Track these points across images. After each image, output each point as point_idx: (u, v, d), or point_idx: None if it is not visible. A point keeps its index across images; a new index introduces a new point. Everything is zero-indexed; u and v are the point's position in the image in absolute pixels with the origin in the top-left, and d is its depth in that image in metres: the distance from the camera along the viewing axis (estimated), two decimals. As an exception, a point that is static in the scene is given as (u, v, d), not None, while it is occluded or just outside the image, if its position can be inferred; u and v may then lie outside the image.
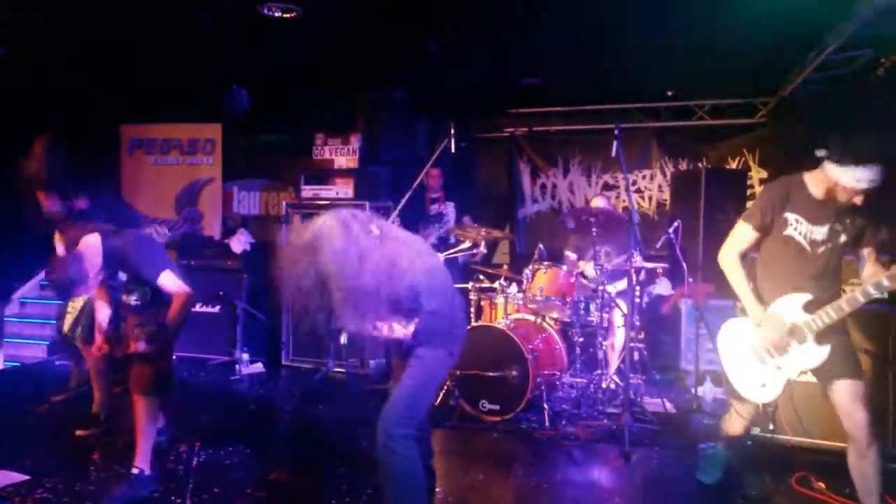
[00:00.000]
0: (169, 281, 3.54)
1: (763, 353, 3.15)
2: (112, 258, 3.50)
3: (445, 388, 5.06)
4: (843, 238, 3.05)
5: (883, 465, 2.96)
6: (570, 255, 5.91)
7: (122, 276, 3.59)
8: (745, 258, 3.26)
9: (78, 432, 4.40)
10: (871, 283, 2.86)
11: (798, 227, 3.06)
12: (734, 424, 3.48)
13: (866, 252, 3.10)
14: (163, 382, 3.58)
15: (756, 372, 3.19)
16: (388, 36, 5.65)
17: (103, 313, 3.91)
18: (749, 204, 6.86)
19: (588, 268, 5.57)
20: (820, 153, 2.99)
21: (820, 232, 3.04)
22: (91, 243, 3.47)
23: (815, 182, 3.05)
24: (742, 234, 3.21)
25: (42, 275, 7.65)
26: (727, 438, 3.58)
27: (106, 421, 4.47)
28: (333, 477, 3.76)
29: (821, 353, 2.99)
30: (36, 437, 4.39)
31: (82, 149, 7.10)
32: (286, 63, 6.46)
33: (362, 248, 2.47)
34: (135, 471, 3.47)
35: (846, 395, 2.94)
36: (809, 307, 3.03)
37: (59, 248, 4.20)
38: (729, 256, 3.22)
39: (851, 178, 2.84)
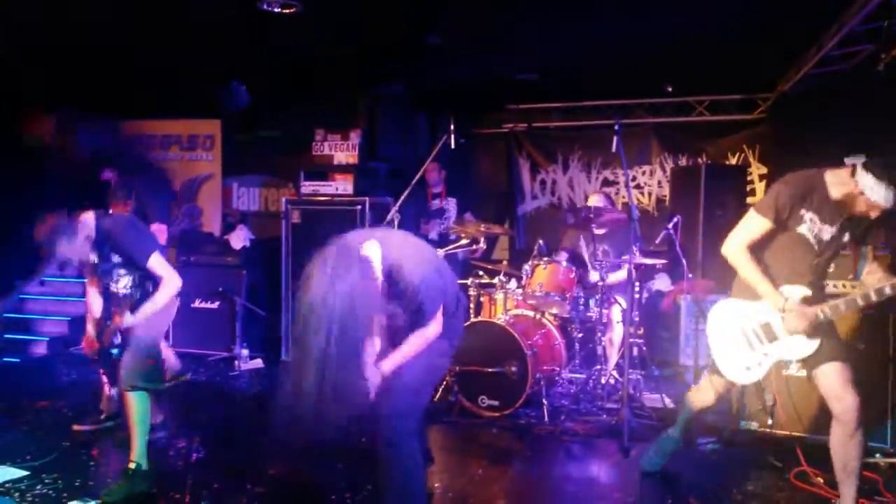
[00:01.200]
0: (158, 263, 3.55)
1: (753, 338, 3.20)
2: (103, 238, 3.54)
3: (445, 383, 5.06)
4: (846, 238, 3.08)
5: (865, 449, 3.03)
6: (562, 254, 5.90)
7: (115, 259, 3.60)
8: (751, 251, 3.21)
9: (75, 427, 4.41)
10: (874, 288, 2.91)
11: (811, 227, 3.05)
12: (704, 396, 3.52)
13: (867, 249, 3.15)
14: (149, 377, 3.56)
15: (743, 355, 3.23)
16: (388, 31, 5.65)
17: (97, 304, 3.90)
18: (751, 200, 6.91)
19: (594, 276, 5.55)
20: (852, 160, 3.06)
21: (829, 232, 3.05)
22: (85, 219, 3.53)
23: (837, 183, 3.00)
24: (755, 226, 3.14)
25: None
26: (688, 416, 3.62)
27: (109, 419, 4.46)
28: (333, 472, 3.77)
29: (810, 346, 3.04)
30: (35, 433, 4.39)
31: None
32: (285, 58, 6.46)
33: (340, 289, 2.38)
34: (132, 466, 3.47)
35: (836, 379, 2.99)
36: (806, 300, 3.06)
37: None
38: (736, 247, 3.16)
39: (881, 196, 2.85)
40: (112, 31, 5.64)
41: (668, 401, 5.05)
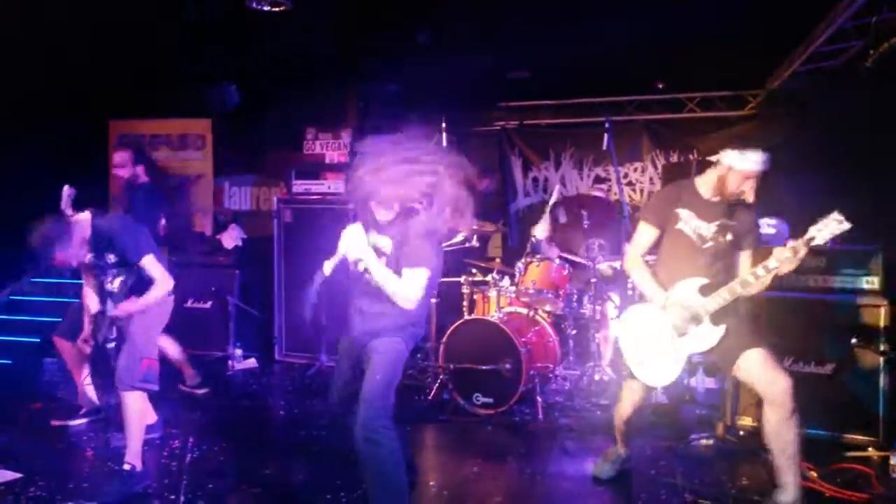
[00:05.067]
0: (151, 264, 3.56)
1: (662, 338, 3.28)
2: (99, 237, 3.55)
3: (439, 381, 5.07)
4: (728, 236, 3.21)
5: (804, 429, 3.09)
6: (554, 249, 5.92)
7: (110, 259, 3.59)
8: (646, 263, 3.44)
9: (53, 423, 4.44)
10: (761, 264, 3.05)
11: (688, 222, 3.26)
12: (623, 404, 3.60)
13: (744, 256, 3.29)
14: (145, 378, 3.54)
15: (655, 356, 3.31)
16: (378, 29, 5.63)
17: (93, 301, 3.88)
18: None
19: (604, 267, 5.58)
20: (714, 157, 3.26)
21: (707, 228, 3.23)
22: (82, 218, 3.54)
23: (705, 182, 3.29)
24: (642, 233, 3.41)
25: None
26: (618, 428, 3.68)
27: (88, 414, 4.49)
28: (327, 472, 3.76)
29: (717, 332, 3.15)
30: (29, 435, 4.37)
31: (69, 145, 7.08)
32: (276, 57, 6.43)
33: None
34: (126, 467, 3.47)
35: (761, 364, 3.07)
36: (704, 291, 3.18)
37: None
38: (631, 257, 3.43)
39: (749, 161, 3.09)
40: (101, 31, 5.61)
41: (661, 396, 5.06)
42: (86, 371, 4.45)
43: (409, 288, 2.89)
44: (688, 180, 3.40)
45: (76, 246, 3.46)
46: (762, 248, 3.31)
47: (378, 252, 2.97)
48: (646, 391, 3.52)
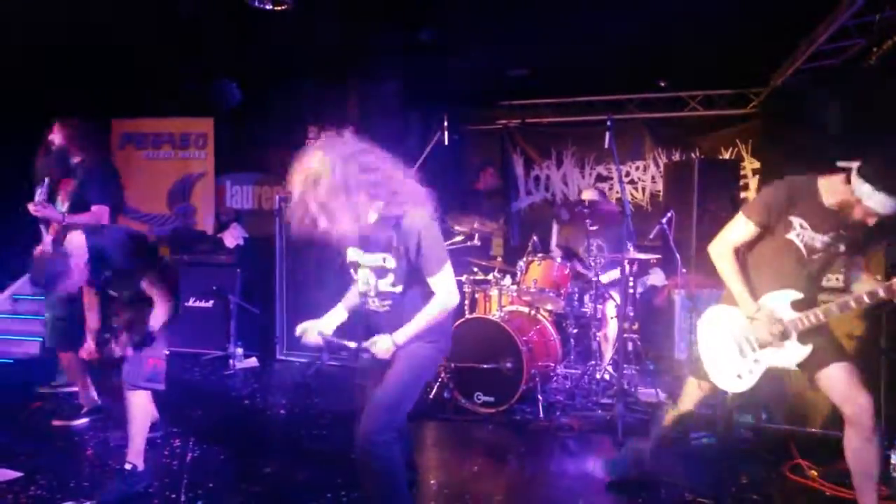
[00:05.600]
0: (149, 285, 3.55)
1: (744, 345, 3.06)
2: (95, 256, 3.50)
3: (440, 380, 5.06)
4: (841, 248, 2.95)
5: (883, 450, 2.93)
6: (555, 250, 5.95)
7: (107, 273, 3.59)
8: (738, 253, 3.15)
9: (55, 422, 4.45)
10: (867, 291, 2.80)
11: (801, 233, 2.94)
12: (684, 404, 3.39)
13: (859, 259, 3.04)
14: (151, 377, 3.55)
15: (734, 362, 3.10)
16: (380, 27, 5.63)
17: (93, 318, 3.88)
18: (745, 195, 6.93)
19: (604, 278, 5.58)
20: (846, 164, 2.85)
21: (821, 240, 2.93)
22: (76, 241, 3.47)
23: (831, 191, 2.89)
24: (741, 230, 3.07)
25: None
26: (667, 428, 3.50)
27: (90, 413, 4.51)
28: (328, 471, 3.76)
29: (802, 352, 2.92)
30: (29, 434, 4.38)
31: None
32: (278, 56, 6.43)
33: None
34: (128, 466, 3.46)
35: (843, 381, 2.85)
36: (798, 305, 2.95)
37: (47, 239, 4.24)
38: (722, 249, 3.10)
39: (879, 204, 2.72)
40: (103, 30, 5.61)
41: (662, 395, 5.06)
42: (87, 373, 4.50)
43: (441, 297, 2.69)
44: (809, 180, 2.96)
45: (77, 274, 3.43)
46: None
47: (383, 270, 2.73)
48: (711, 392, 3.29)
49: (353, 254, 2.80)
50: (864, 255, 3.04)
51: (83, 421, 4.51)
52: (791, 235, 2.95)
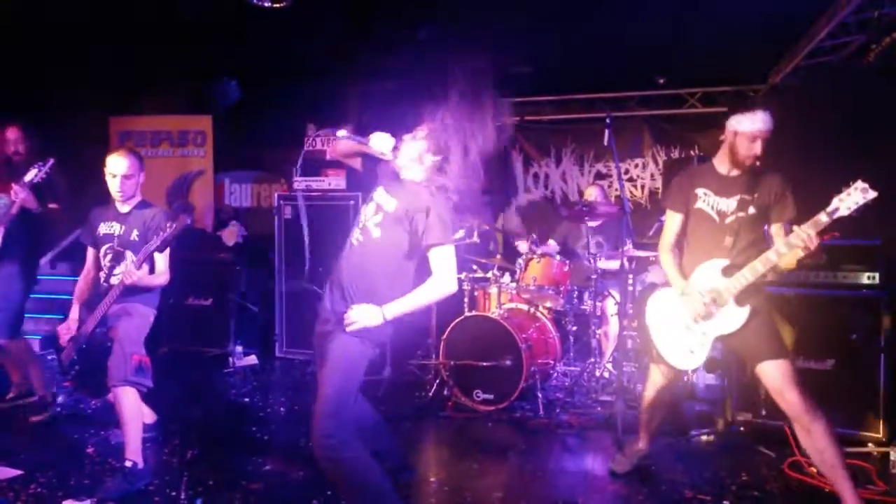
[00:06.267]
0: (162, 258, 3.77)
1: (689, 321, 3.25)
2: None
3: (440, 378, 5.07)
4: (751, 209, 3.17)
5: (836, 435, 2.95)
6: (552, 243, 5.93)
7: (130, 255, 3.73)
8: (674, 246, 3.45)
9: (32, 419, 4.46)
10: (779, 243, 2.98)
11: (706, 200, 3.27)
12: (651, 388, 3.57)
13: (775, 228, 3.21)
14: (138, 372, 3.55)
15: (683, 339, 3.30)
16: (379, 25, 5.62)
17: (73, 322, 3.85)
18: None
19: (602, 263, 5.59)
20: (722, 136, 3.27)
21: (727, 203, 3.21)
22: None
23: (720, 159, 3.30)
24: (670, 222, 3.44)
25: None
26: (645, 417, 3.66)
27: (48, 405, 4.56)
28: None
29: (740, 314, 3.11)
30: (29, 432, 4.38)
31: (70, 142, 7.07)
32: (277, 53, 6.42)
33: None
34: (128, 464, 3.46)
35: (775, 377, 3.02)
36: (728, 271, 3.13)
37: None
38: (662, 247, 3.46)
39: (751, 122, 3.09)
40: (101, 27, 5.60)
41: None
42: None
43: (441, 278, 2.75)
44: (706, 163, 3.40)
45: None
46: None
47: (380, 208, 2.83)
48: (673, 376, 3.48)
49: (377, 193, 2.92)
50: (781, 220, 3.19)
51: (46, 414, 4.53)
52: (699, 204, 3.29)
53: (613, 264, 5.49)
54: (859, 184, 2.76)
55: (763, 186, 3.19)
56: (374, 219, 2.83)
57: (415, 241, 2.78)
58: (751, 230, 3.20)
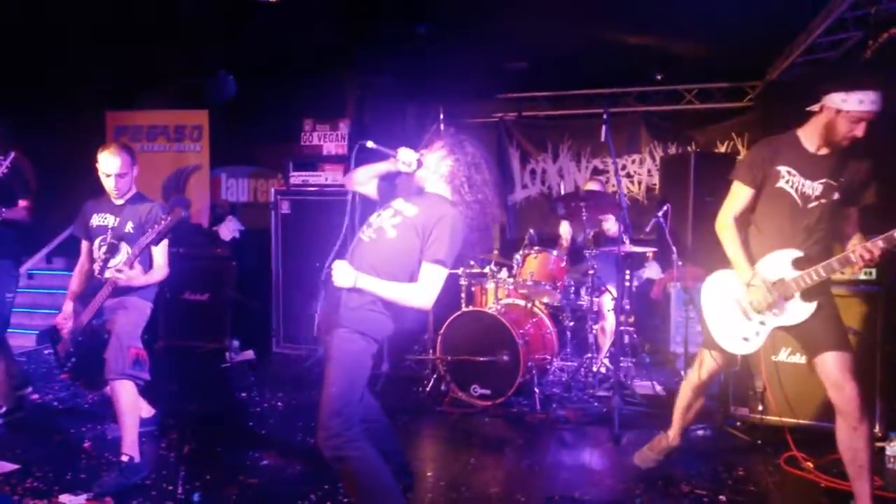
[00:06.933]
0: (161, 252, 3.79)
1: (748, 308, 3.09)
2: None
3: (437, 373, 5.07)
4: (836, 195, 2.96)
5: (873, 440, 2.93)
6: (565, 234, 5.94)
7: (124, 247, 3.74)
8: (739, 222, 3.18)
9: None
10: (863, 245, 2.82)
11: (790, 180, 3.01)
12: (702, 372, 3.36)
13: (853, 211, 3.05)
14: (135, 365, 3.55)
15: (739, 326, 3.13)
16: (377, 20, 5.61)
17: (67, 315, 3.84)
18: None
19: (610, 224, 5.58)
20: (815, 106, 2.98)
21: (812, 187, 2.97)
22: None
23: (809, 134, 3.02)
24: (736, 195, 3.16)
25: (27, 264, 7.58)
26: (682, 408, 3.50)
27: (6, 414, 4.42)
28: (325, 463, 3.75)
29: (806, 309, 2.96)
30: (25, 427, 4.37)
31: (67, 136, 7.06)
32: (273, 48, 6.40)
33: None
34: (124, 458, 3.46)
35: (835, 368, 2.89)
36: (799, 263, 2.97)
37: None
38: (723, 220, 3.17)
39: (855, 101, 2.80)
40: (99, 21, 5.58)
41: (658, 388, 5.08)
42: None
43: (420, 288, 2.72)
44: (788, 133, 3.10)
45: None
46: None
47: (397, 214, 2.82)
48: (724, 362, 3.28)
49: (398, 202, 2.92)
50: (858, 205, 3.04)
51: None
52: (781, 184, 3.01)
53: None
54: None
55: (851, 169, 2.96)
56: (391, 220, 2.82)
57: (424, 249, 2.76)
58: (831, 218, 3.00)
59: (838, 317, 3.06)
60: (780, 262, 3.01)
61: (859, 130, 2.85)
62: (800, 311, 2.97)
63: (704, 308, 3.28)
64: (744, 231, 3.18)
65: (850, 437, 2.89)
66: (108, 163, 3.79)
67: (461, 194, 2.85)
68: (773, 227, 3.07)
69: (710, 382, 3.44)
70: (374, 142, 2.99)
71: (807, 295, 2.96)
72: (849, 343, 2.99)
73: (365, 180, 3.11)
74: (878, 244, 2.77)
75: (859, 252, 2.79)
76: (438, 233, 2.72)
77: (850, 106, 2.81)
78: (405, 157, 2.94)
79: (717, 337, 3.21)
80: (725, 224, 3.15)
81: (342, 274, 2.69)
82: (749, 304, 3.09)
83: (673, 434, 3.59)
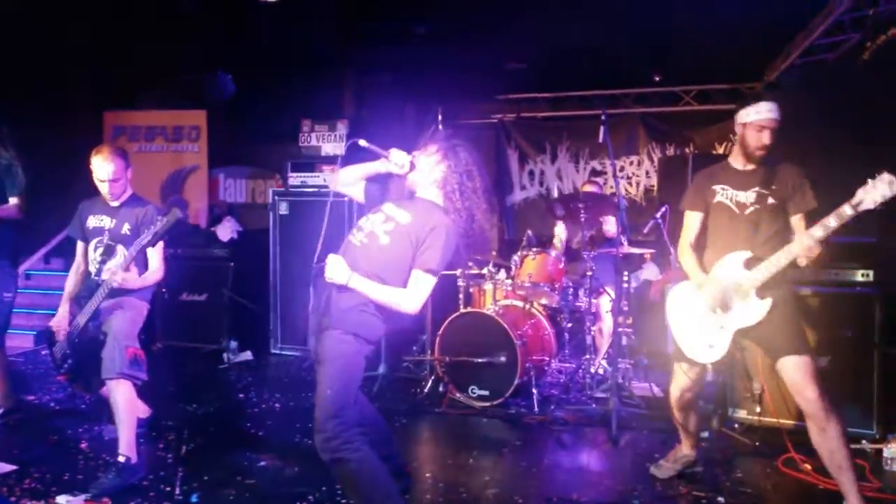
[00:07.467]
0: (157, 253, 3.80)
1: (708, 314, 3.20)
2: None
3: (435, 374, 5.07)
4: (770, 200, 3.17)
5: (847, 438, 2.96)
6: (559, 234, 5.93)
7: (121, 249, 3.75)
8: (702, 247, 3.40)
9: None
10: (805, 233, 2.89)
11: (725, 193, 3.29)
12: (676, 385, 3.44)
13: (795, 220, 3.19)
14: (133, 365, 3.54)
15: (702, 333, 3.24)
16: (375, 20, 5.62)
17: (63, 316, 3.83)
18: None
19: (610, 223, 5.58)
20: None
21: (746, 196, 3.23)
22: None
23: (735, 155, 3.36)
24: (688, 222, 3.43)
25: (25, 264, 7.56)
26: (679, 419, 3.55)
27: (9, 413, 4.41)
28: (322, 464, 3.75)
29: (761, 307, 3.05)
30: (23, 428, 4.36)
31: (65, 136, 7.04)
32: (271, 48, 6.40)
33: None
34: (121, 459, 3.45)
35: (795, 373, 2.98)
36: (749, 264, 3.09)
37: None
38: (681, 248, 3.43)
39: (756, 112, 3.16)
40: (97, 22, 5.58)
41: (656, 389, 5.07)
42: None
43: (410, 293, 2.72)
44: (721, 161, 3.45)
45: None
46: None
47: (390, 220, 2.80)
48: (696, 374, 3.37)
49: (388, 206, 2.91)
50: (801, 211, 3.18)
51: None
52: (719, 198, 3.31)
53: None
54: (886, 176, 2.62)
55: (780, 179, 3.18)
56: (383, 226, 2.80)
57: (416, 256, 2.75)
58: (772, 222, 3.17)
59: (796, 318, 3.16)
60: (733, 264, 3.16)
61: (766, 138, 3.16)
62: (755, 309, 3.07)
63: (670, 321, 3.42)
64: (701, 252, 3.39)
65: (821, 439, 2.97)
66: (101, 168, 3.78)
67: (452, 201, 2.83)
68: (720, 236, 3.29)
69: (692, 396, 3.49)
70: (374, 143, 2.96)
71: (761, 292, 3.07)
72: (807, 345, 3.09)
73: (352, 181, 3.08)
74: (827, 222, 2.80)
75: (809, 231, 2.86)
76: (431, 242, 2.72)
77: (750, 118, 3.18)
78: (397, 158, 2.91)
79: (684, 347, 3.32)
80: (683, 251, 3.41)
81: (337, 269, 2.67)
82: (705, 305, 3.22)
83: (685, 446, 3.64)
